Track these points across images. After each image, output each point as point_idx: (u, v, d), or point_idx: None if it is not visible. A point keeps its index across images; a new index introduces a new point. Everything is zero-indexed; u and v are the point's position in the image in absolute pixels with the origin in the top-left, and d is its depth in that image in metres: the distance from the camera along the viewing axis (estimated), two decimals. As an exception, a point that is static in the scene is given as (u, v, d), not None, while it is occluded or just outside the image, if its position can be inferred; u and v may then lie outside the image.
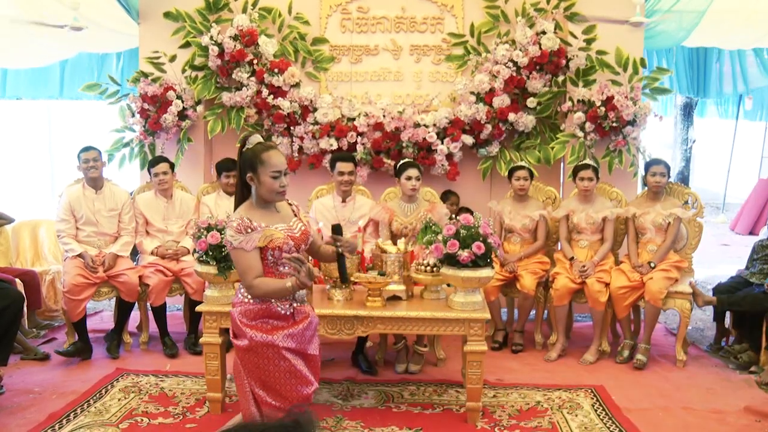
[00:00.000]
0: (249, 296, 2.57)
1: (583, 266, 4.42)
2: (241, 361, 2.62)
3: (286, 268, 2.53)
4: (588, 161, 4.60)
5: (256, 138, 2.63)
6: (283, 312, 2.58)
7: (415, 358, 4.18)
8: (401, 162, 4.48)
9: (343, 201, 4.59)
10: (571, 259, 4.48)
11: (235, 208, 2.64)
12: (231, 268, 3.42)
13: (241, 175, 2.62)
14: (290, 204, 2.74)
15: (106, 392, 3.79)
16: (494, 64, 5.02)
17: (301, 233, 2.65)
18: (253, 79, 5.03)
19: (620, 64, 4.94)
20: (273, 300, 2.56)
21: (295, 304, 2.62)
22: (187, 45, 5.19)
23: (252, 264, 2.51)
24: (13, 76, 6.59)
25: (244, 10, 5.10)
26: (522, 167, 4.66)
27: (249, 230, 2.50)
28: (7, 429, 3.33)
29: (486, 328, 3.52)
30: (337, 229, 2.78)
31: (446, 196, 5.06)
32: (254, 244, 2.49)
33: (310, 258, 2.86)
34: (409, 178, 4.31)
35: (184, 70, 5.19)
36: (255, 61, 5.04)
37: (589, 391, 3.84)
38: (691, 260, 4.63)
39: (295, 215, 2.70)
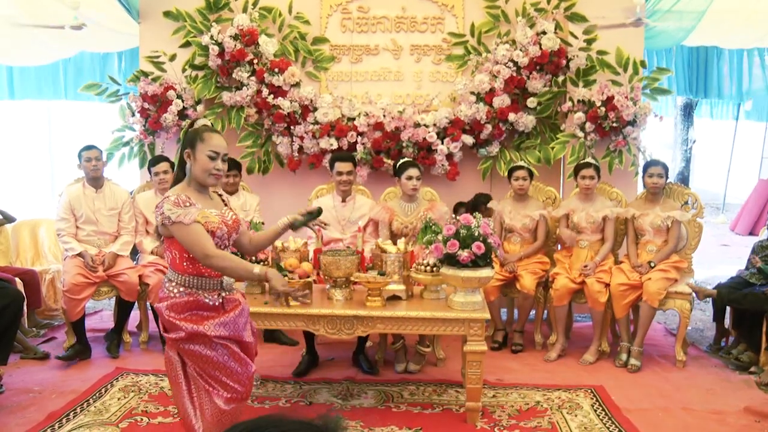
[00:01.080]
0: (175, 290, 2.48)
1: (585, 266, 4.42)
2: (185, 356, 2.52)
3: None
4: (590, 160, 4.60)
5: (204, 121, 2.60)
6: (211, 303, 2.50)
7: (416, 358, 4.18)
8: (401, 161, 4.48)
9: (343, 201, 4.60)
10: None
11: (171, 187, 2.58)
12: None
13: (180, 152, 2.56)
14: (220, 195, 2.70)
15: (105, 391, 3.79)
16: (494, 64, 5.02)
17: (233, 221, 2.59)
18: (253, 78, 5.03)
19: (620, 65, 4.94)
20: (200, 291, 2.48)
21: (224, 293, 2.55)
22: (187, 44, 5.19)
23: (202, 234, 2.41)
24: (14, 77, 6.58)
25: (245, 10, 5.10)
26: (521, 167, 4.66)
27: (187, 204, 2.42)
28: (7, 428, 3.33)
29: (486, 328, 3.52)
30: (318, 212, 2.80)
31: (478, 199, 4.86)
32: (193, 218, 2.40)
33: (238, 252, 2.78)
34: (409, 178, 4.31)
35: (184, 70, 5.19)
36: (255, 61, 5.04)
37: (589, 391, 3.84)
38: (691, 260, 4.63)
39: (225, 205, 2.66)
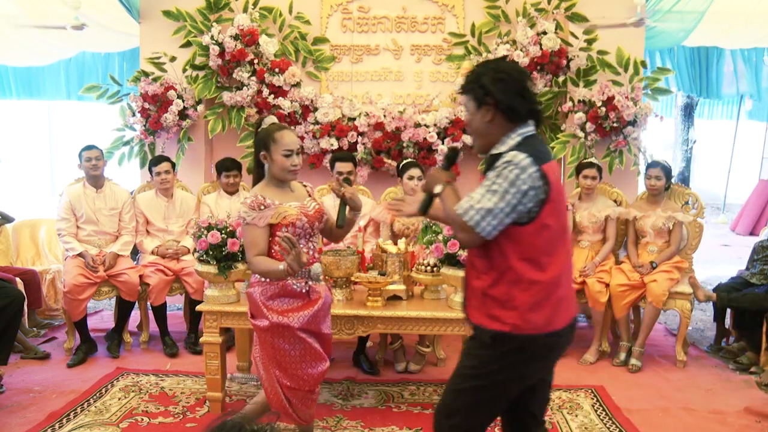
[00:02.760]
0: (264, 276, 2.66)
1: (584, 267, 4.42)
2: (261, 342, 2.71)
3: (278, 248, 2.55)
4: (592, 160, 4.60)
5: (271, 119, 2.75)
6: (298, 289, 2.66)
7: (416, 358, 4.18)
8: (403, 162, 4.48)
9: (344, 201, 4.59)
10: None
11: (253, 186, 2.76)
12: (231, 267, 3.42)
13: (255, 155, 2.72)
14: (304, 185, 2.84)
15: (106, 391, 3.79)
16: (495, 64, 5.01)
17: (315, 211, 2.73)
18: (253, 78, 5.03)
19: (621, 65, 4.94)
20: (289, 278, 2.62)
21: (310, 282, 2.70)
22: (187, 44, 5.19)
23: (257, 241, 2.60)
24: (14, 77, 6.58)
25: (245, 10, 5.10)
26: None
27: (262, 207, 2.59)
28: (7, 428, 3.33)
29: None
30: (347, 181, 2.86)
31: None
32: (266, 221, 2.58)
33: (318, 241, 2.91)
34: (411, 178, 4.31)
35: (184, 70, 5.19)
36: (256, 61, 5.04)
37: (589, 391, 3.84)
38: (692, 261, 4.63)
39: (309, 195, 2.81)
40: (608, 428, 3.37)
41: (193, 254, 3.63)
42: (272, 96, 5.03)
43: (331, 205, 4.57)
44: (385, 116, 5.03)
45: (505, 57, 4.89)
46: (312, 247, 2.74)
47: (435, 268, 3.50)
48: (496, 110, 2.06)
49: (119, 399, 3.69)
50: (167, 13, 5.18)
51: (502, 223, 2.00)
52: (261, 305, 2.63)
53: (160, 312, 4.54)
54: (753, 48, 6.63)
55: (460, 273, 3.28)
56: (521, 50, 4.94)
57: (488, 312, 2.06)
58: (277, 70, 5.02)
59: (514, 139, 2.06)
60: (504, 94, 2.03)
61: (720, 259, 7.74)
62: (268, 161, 2.67)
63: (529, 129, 2.09)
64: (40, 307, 5.01)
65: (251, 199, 2.61)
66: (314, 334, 2.70)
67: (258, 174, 2.76)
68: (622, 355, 4.34)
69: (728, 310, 4.65)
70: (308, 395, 2.77)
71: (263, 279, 2.65)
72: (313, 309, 2.66)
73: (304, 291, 2.68)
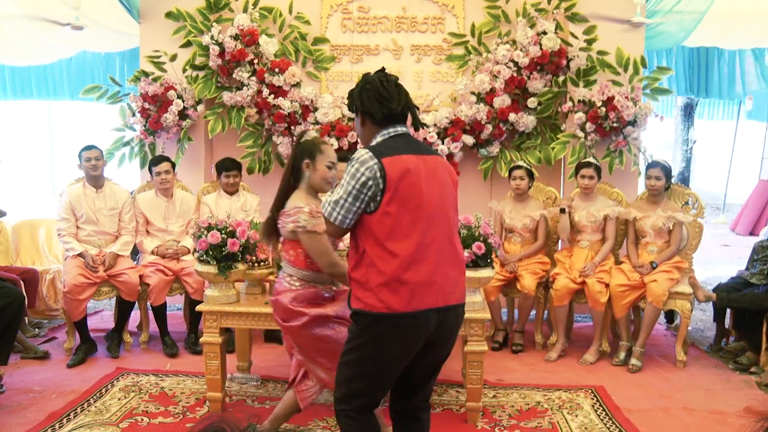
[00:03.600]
0: (297, 283, 2.86)
1: (584, 267, 4.42)
2: (303, 340, 2.87)
3: None
4: (591, 159, 4.60)
5: (313, 133, 2.95)
6: (327, 295, 2.92)
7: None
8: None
9: (344, 201, 4.59)
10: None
11: (281, 194, 2.90)
12: (231, 267, 3.42)
13: (294, 161, 2.87)
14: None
15: (106, 391, 3.79)
16: (495, 64, 5.02)
17: None
18: (253, 78, 5.03)
19: (621, 65, 4.94)
20: (317, 284, 2.88)
21: (334, 288, 2.95)
22: (187, 44, 5.19)
23: (327, 246, 2.76)
24: (14, 77, 6.58)
25: (245, 10, 5.10)
26: (519, 167, 4.66)
27: (318, 215, 2.69)
28: (8, 428, 3.33)
29: (486, 329, 3.52)
30: None
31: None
32: (323, 228, 2.63)
33: None
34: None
35: (184, 70, 5.19)
36: (256, 61, 5.04)
37: (589, 391, 3.84)
38: (692, 261, 4.63)
39: None
40: (608, 428, 3.37)
41: (193, 254, 3.63)
42: (272, 96, 5.03)
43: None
44: (385, 116, 5.02)
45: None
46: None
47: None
48: (363, 116, 2.39)
49: (119, 399, 3.69)
50: (167, 14, 5.18)
51: (350, 211, 2.26)
52: (293, 308, 2.83)
53: (160, 312, 4.54)
54: (753, 48, 6.62)
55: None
56: (521, 50, 4.94)
57: (354, 292, 2.31)
58: (277, 70, 5.03)
59: (377, 139, 2.35)
60: (365, 102, 2.36)
61: (720, 259, 7.74)
62: (310, 170, 2.83)
63: (394, 129, 2.35)
64: (33, 306, 4.99)
65: (309, 208, 2.74)
66: (346, 322, 2.82)
67: (289, 181, 2.88)
68: (622, 355, 4.34)
69: (728, 310, 4.65)
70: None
71: (294, 285, 2.85)
72: (344, 301, 2.76)
73: (331, 296, 2.93)
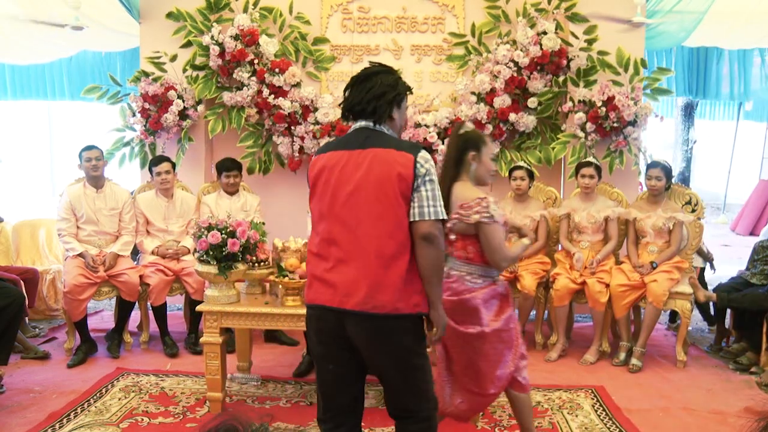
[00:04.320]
0: (479, 281, 2.71)
1: (590, 264, 4.41)
2: (457, 350, 2.78)
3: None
4: (591, 159, 4.60)
5: (470, 125, 2.88)
6: (502, 290, 2.78)
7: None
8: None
9: (344, 201, 4.59)
10: (574, 254, 4.46)
11: (446, 188, 2.72)
12: (232, 267, 3.42)
13: (458, 153, 2.78)
14: None
15: (106, 392, 3.79)
16: (495, 64, 5.02)
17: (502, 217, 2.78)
18: (253, 78, 5.03)
19: (621, 65, 4.94)
20: (495, 280, 2.75)
21: (504, 280, 2.84)
22: (188, 44, 5.20)
23: (503, 237, 2.70)
24: (14, 77, 6.58)
25: (245, 10, 5.10)
26: (519, 167, 4.65)
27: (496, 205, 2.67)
28: (8, 428, 3.33)
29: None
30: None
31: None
32: (503, 219, 2.66)
33: None
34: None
35: (185, 70, 5.19)
36: (256, 61, 5.04)
37: (590, 391, 3.84)
38: (692, 261, 4.63)
39: None
40: (608, 428, 3.37)
41: (194, 254, 3.63)
42: (272, 96, 5.03)
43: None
44: (385, 116, 5.02)
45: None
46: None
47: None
48: None
49: (119, 399, 3.69)
50: (168, 14, 5.18)
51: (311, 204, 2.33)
52: (481, 311, 2.70)
53: (161, 312, 4.54)
54: (754, 48, 6.63)
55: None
56: (521, 50, 4.94)
57: None
58: (277, 70, 5.03)
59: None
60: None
61: (720, 259, 7.71)
62: (476, 161, 2.77)
63: (357, 124, 2.33)
64: (32, 306, 4.99)
65: (492, 198, 2.68)
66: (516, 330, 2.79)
67: (452, 174, 2.79)
68: (622, 355, 4.34)
69: (725, 310, 4.65)
70: (486, 398, 2.85)
71: (477, 283, 2.71)
72: (511, 306, 2.76)
73: (504, 290, 2.80)
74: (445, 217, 2.21)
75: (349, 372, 2.29)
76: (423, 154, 2.18)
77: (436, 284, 2.22)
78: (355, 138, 2.29)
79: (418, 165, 2.16)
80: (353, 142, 2.28)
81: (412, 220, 2.15)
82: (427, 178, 2.16)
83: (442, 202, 2.20)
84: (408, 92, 2.36)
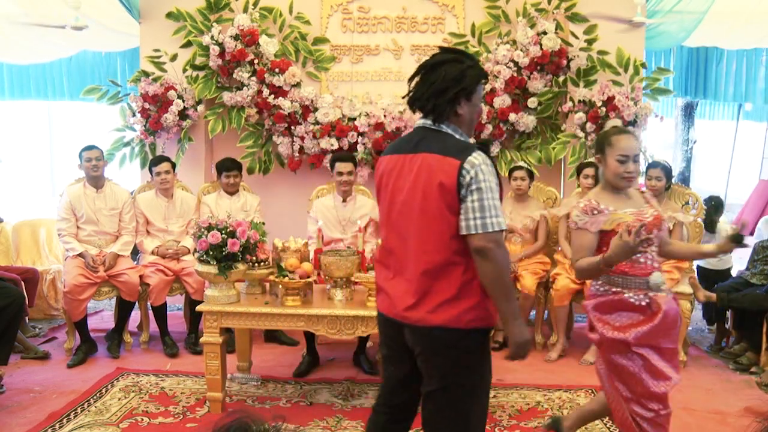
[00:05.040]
0: (601, 288, 2.54)
1: None
2: (599, 354, 2.67)
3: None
4: (592, 159, 4.60)
5: (614, 122, 2.66)
6: (635, 302, 2.49)
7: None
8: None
9: (344, 201, 4.60)
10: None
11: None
12: (232, 267, 3.42)
13: (596, 157, 2.66)
14: (642, 192, 2.70)
15: (106, 392, 3.79)
16: (495, 64, 5.02)
17: (653, 218, 2.53)
18: (253, 78, 5.03)
19: (621, 65, 4.94)
20: (625, 290, 2.50)
21: (650, 294, 2.49)
22: (188, 44, 5.20)
23: (584, 245, 2.48)
24: (14, 77, 6.58)
25: (245, 10, 5.10)
26: (520, 167, 4.66)
27: (595, 212, 2.48)
28: (8, 428, 3.33)
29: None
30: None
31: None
32: (598, 227, 2.47)
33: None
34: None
35: (185, 70, 5.19)
36: (256, 61, 5.04)
37: (590, 391, 3.84)
38: (692, 262, 4.62)
39: (647, 202, 2.64)
40: (608, 428, 3.37)
41: (194, 254, 3.63)
42: (272, 96, 5.03)
43: (331, 205, 4.59)
44: (385, 116, 5.03)
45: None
46: (650, 256, 2.52)
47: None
48: None
49: (119, 399, 3.69)
50: (168, 14, 5.18)
51: None
52: (594, 318, 2.55)
53: (161, 312, 4.54)
54: (754, 49, 6.62)
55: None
56: (521, 50, 4.94)
57: None
58: (277, 70, 5.03)
59: None
60: None
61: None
62: (602, 165, 2.59)
63: (417, 122, 2.19)
64: (32, 306, 4.99)
65: (584, 203, 2.51)
66: (654, 349, 2.51)
67: (597, 177, 2.65)
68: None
69: (725, 310, 4.65)
70: (655, 414, 2.62)
71: (599, 291, 2.55)
72: (652, 323, 2.45)
73: (643, 304, 2.48)
74: (499, 228, 1.99)
75: (407, 376, 2.25)
76: (472, 159, 2.00)
77: (502, 299, 2.03)
78: (411, 140, 2.15)
79: (463, 172, 1.99)
80: (408, 144, 2.15)
81: (461, 233, 2.00)
82: (473, 186, 1.98)
83: (495, 211, 1.99)
84: (482, 80, 2.14)
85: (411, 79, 2.16)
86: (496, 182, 2.06)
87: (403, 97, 2.22)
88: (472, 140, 2.21)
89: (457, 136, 2.12)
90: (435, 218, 2.02)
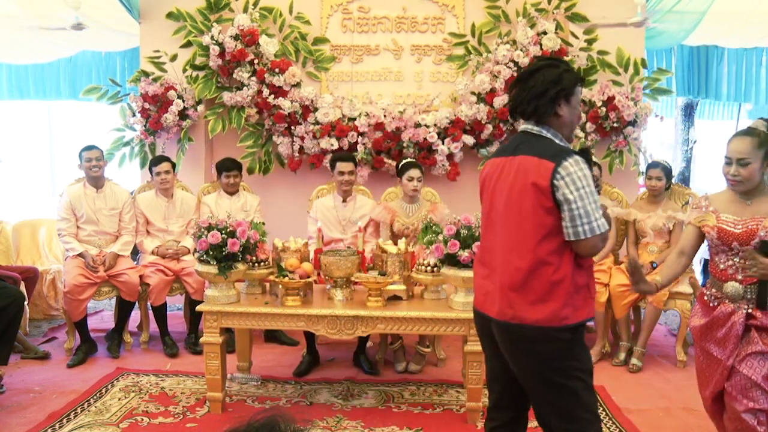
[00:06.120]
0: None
1: None
2: None
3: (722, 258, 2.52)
4: (593, 159, 4.60)
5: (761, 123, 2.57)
6: (707, 300, 2.60)
7: (416, 358, 4.18)
8: (403, 162, 4.47)
9: (344, 201, 4.60)
10: None
11: None
12: (231, 267, 3.42)
13: None
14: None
15: (106, 391, 3.79)
16: (495, 64, 5.02)
17: (742, 231, 2.45)
18: (253, 78, 5.03)
19: (621, 65, 4.94)
20: (705, 289, 2.63)
21: (726, 300, 2.52)
22: (188, 44, 5.20)
23: (685, 237, 2.64)
24: (14, 77, 6.58)
25: (245, 10, 5.10)
26: None
27: (696, 207, 2.61)
28: (8, 428, 3.33)
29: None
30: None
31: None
32: (689, 219, 2.59)
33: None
34: (411, 179, 4.31)
35: (184, 70, 5.19)
36: (256, 61, 5.04)
37: (590, 391, 3.83)
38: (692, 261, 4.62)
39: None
40: (608, 428, 3.37)
41: (194, 254, 3.63)
42: (272, 96, 5.03)
43: (331, 205, 4.59)
44: (385, 116, 5.03)
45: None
46: (730, 263, 2.50)
47: (435, 268, 3.49)
48: None
49: (119, 399, 3.69)
50: (168, 14, 5.18)
51: None
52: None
53: (161, 312, 4.55)
54: (754, 48, 6.62)
55: (461, 273, 3.28)
56: (521, 50, 4.94)
57: None
58: (277, 70, 5.02)
59: None
60: None
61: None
62: None
63: (520, 127, 2.26)
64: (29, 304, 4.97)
65: (697, 199, 2.65)
66: (706, 354, 2.57)
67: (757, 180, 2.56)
68: (622, 355, 4.34)
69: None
70: (712, 415, 2.65)
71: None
72: (706, 319, 2.55)
73: (713, 305, 2.56)
74: (605, 229, 2.08)
75: (502, 372, 2.32)
76: (566, 164, 2.03)
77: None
78: (513, 143, 2.23)
79: (557, 175, 2.03)
80: (508, 148, 2.24)
81: (567, 239, 2.06)
82: (568, 190, 2.02)
83: (597, 214, 2.05)
84: (579, 83, 2.19)
85: (510, 90, 2.25)
86: (593, 185, 2.10)
87: (504, 106, 2.40)
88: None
89: (557, 141, 2.17)
90: (529, 218, 2.09)
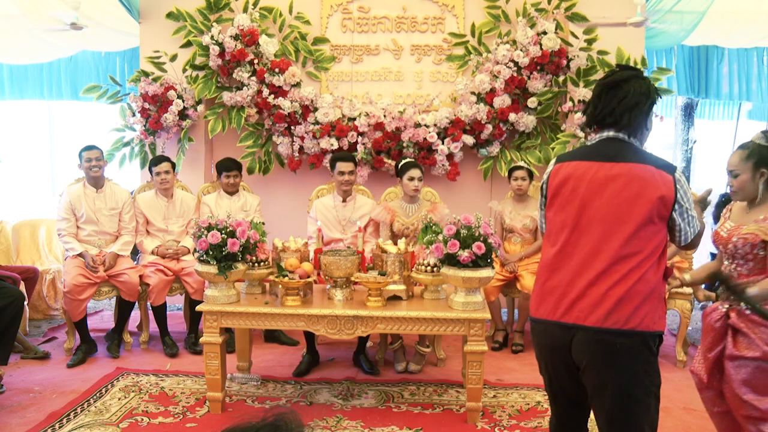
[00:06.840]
0: None
1: None
2: None
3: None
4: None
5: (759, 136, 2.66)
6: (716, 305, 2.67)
7: (416, 358, 4.18)
8: (403, 162, 4.47)
9: (344, 201, 4.60)
10: None
11: None
12: (231, 267, 3.42)
13: (756, 168, 2.59)
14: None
15: (106, 391, 3.79)
16: (495, 64, 5.02)
17: (726, 236, 2.64)
18: (253, 78, 5.04)
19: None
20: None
21: (734, 305, 2.57)
22: (187, 44, 5.20)
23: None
24: (14, 77, 6.58)
25: (245, 10, 5.10)
26: (520, 167, 4.66)
27: (725, 216, 2.70)
28: (8, 428, 3.33)
29: (486, 329, 3.51)
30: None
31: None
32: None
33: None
34: (411, 179, 4.31)
35: (184, 70, 5.19)
36: (256, 61, 5.04)
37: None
38: (692, 260, 4.62)
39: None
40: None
41: (193, 254, 3.63)
42: (272, 96, 5.03)
43: (331, 205, 4.59)
44: (385, 116, 5.03)
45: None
46: (740, 270, 2.60)
47: (435, 268, 3.50)
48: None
49: (119, 399, 3.69)
50: (168, 14, 5.18)
51: (541, 213, 2.34)
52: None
53: (160, 312, 4.55)
54: (754, 48, 6.62)
55: (460, 273, 3.28)
56: (521, 50, 4.94)
57: None
58: (277, 70, 5.03)
59: (590, 142, 2.30)
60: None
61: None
62: (762, 179, 2.56)
63: (606, 134, 2.20)
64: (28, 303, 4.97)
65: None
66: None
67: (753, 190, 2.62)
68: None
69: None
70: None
71: None
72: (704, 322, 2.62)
73: (723, 309, 2.61)
74: (702, 227, 2.22)
75: (574, 387, 2.22)
76: (677, 175, 2.12)
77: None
78: (605, 149, 2.17)
79: (678, 187, 2.08)
80: (602, 153, 2.16)
81: (682, 244, 2.18)
82: (683, 199, 2.10)
83: (694, 215, 2.15)
84: (657, 96, 2.24)
85: (596, 98, 2.22)
86: None
87: (585, 113, 2.30)
88: None
89: (649, 151, 2.23)
90: (643, 224, 2.07)
